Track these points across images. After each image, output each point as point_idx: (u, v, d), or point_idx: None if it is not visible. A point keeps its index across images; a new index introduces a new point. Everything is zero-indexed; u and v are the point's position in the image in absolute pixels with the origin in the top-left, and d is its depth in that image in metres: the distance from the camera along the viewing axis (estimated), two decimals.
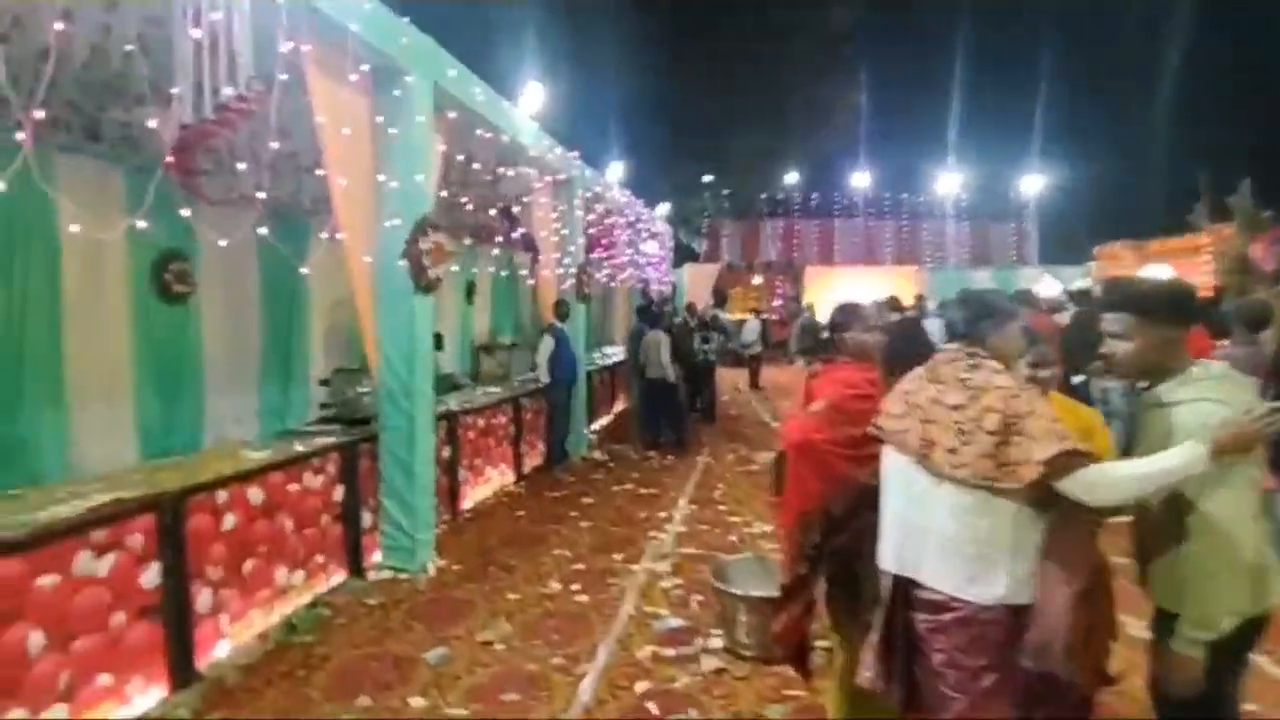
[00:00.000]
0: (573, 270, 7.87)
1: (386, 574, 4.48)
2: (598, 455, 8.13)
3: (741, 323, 15.34)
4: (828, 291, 20.32)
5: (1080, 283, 17.81)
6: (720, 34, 21.24)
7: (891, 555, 2.04)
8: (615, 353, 11.12)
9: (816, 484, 2.32)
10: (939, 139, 23.74)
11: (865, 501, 2.26)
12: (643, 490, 6.68)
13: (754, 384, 14.30)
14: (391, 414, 4.52)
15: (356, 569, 4.43)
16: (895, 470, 2.07)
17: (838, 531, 2.37)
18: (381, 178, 4.35)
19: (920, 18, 23.19)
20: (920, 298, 12.84)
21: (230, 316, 5.07)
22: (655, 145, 19.02)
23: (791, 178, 24.05)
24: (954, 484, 1.89)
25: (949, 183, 23.41)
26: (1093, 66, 21.77)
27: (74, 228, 3.06)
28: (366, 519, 4.55)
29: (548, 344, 7.34)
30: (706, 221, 24.04)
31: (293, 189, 5.14)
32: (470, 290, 9.53)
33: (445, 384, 7.33)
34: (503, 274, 9.58)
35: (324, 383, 5.11)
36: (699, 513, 5.97)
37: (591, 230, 9.07)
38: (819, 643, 3.12)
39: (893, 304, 8.41)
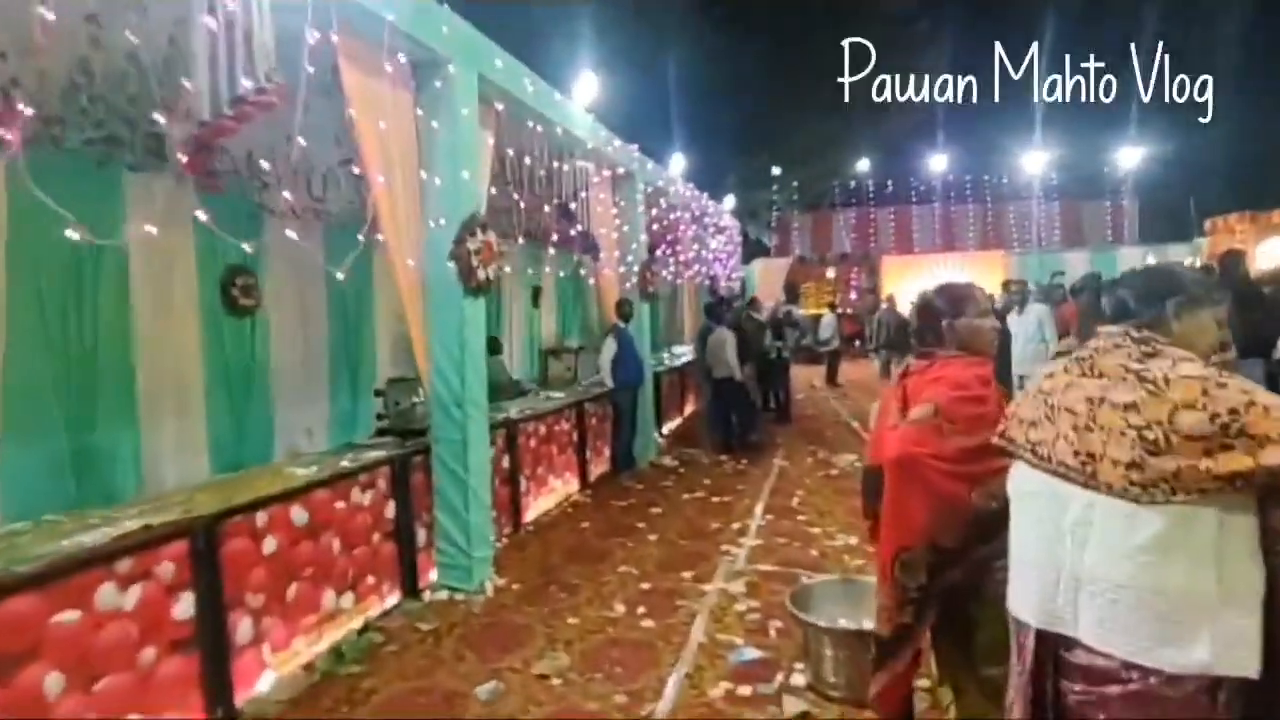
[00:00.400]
0: (636, 268, 7.53)
1: (443, 594, 4.24)
2: (668, 460, 7.76)
3: (817, 318, 14.70)
4: (906, 281, 19.36)
5: (1191, 261, 16.32)
6: (783, 18, 20.50)
7: (1034, 604, 1.57)
8: (684, 352, 10.73)
9: (922, 511, 1.88)
10: (1023, 115, 22.23)
11: (985, 530, 1.81)
12: (714, 498, 6.27)
13: (831, 381, 13.65)
14: (443, 424, 4.28)
15: (412, 589, 4.20)
16: (1035, 493, 1.60)
17: (948, 566, 1.92)
18: (425, 175, 4.11)
19: None
20: (1016, 284, 11.89)
21: (297, 327, 5.04)
22: (719, 137, 18.48)
23: (863, 165, 23.03)
24: (1133, 508, 1.41)
25: (1036, 160, 21.89)
26: (1193, 23, 19.93)
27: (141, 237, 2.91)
28: (422, 536, 4.33)
29: (610, 346, 7.03)
30: (775, 215, 23.33)
31: (350, 196, 5.01)
32: (536, 293, 9.35)
33: (512, 389, 7.14)
34: (569, 275, 9.36)
35: (378, 393, 4.93)
36: (776, 523, 5.51)
37: (655, 226, 8.72)
38: (919, 683, 2.66)
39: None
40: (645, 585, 4.38)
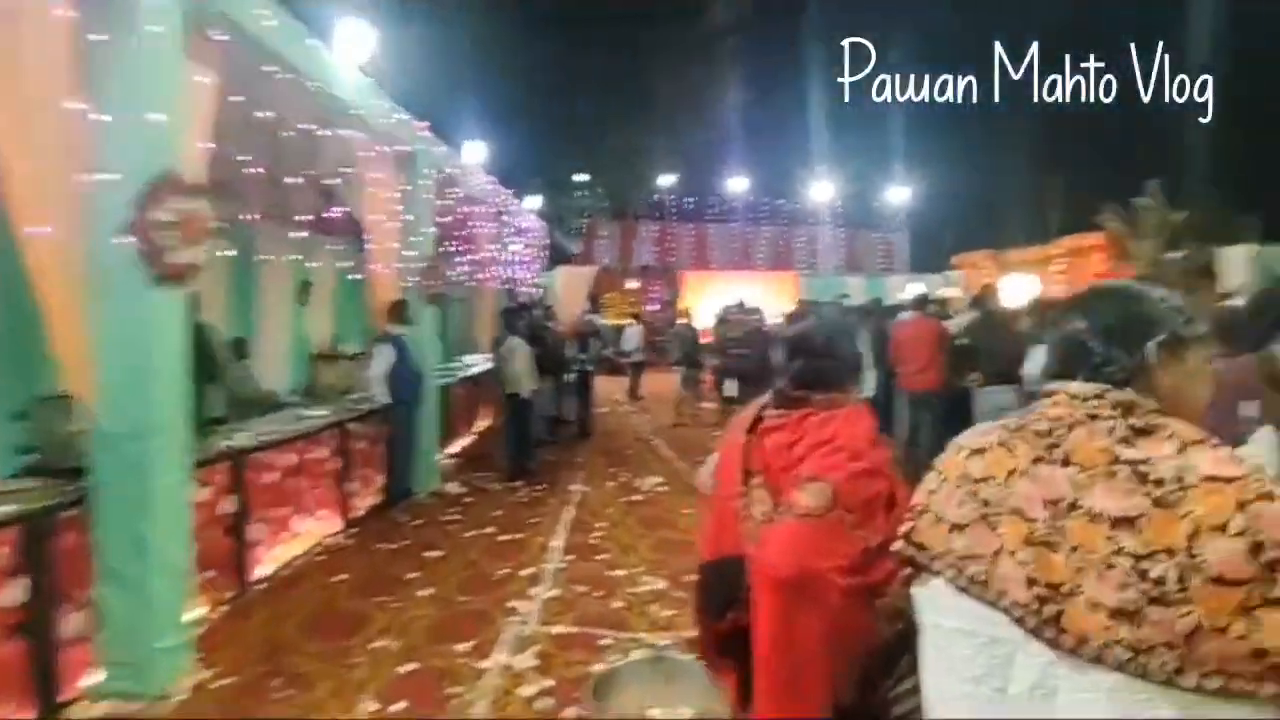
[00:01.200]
0: (420, 265, 6.47)
1: (103, 707, 2.98)
2: (453, 488, 6.75)
3: (620, 328, 14.33)
4: (705, 296, 19.83)
5: (944, 291, 18.14)
6: (593, 23, 20.26)
7: None
8: (477, 362, 9.70)
9: (822, 651, 1.21)
10: (813, 146, 23.93)
11: (887, 666, 1.19)
12: (505, 536, 5.40)
13: (633, 394, 13.30)
14: (109, 463, 3.02)
15: (50, 706, 2.90)
16: (963, 632, 0.99)
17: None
18: (85, 109, 2.87)
19: (792, 24, 23.26)
20: (930, 300, 12.26)
21: None
22: (525, 135, 17.66)
23: (667, 179, 23.40)
24: (1121, 684, 0.83)
25: (823, 190, 23.58)
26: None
27: None
28: (73, 625, 3.03)
29: (385, 354, 5.92)
30: (584, 222, 22.94)
31: None
32: (305, 288, 7.91)
33: (262, 403, 5.80)
34: (348, 269, 8.03)
35: (20, 416, 3.49)
36: (575, 565, 4.78)
37: (446, 218, 7.67)
38: None
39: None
40: (407, 666, 3.43)
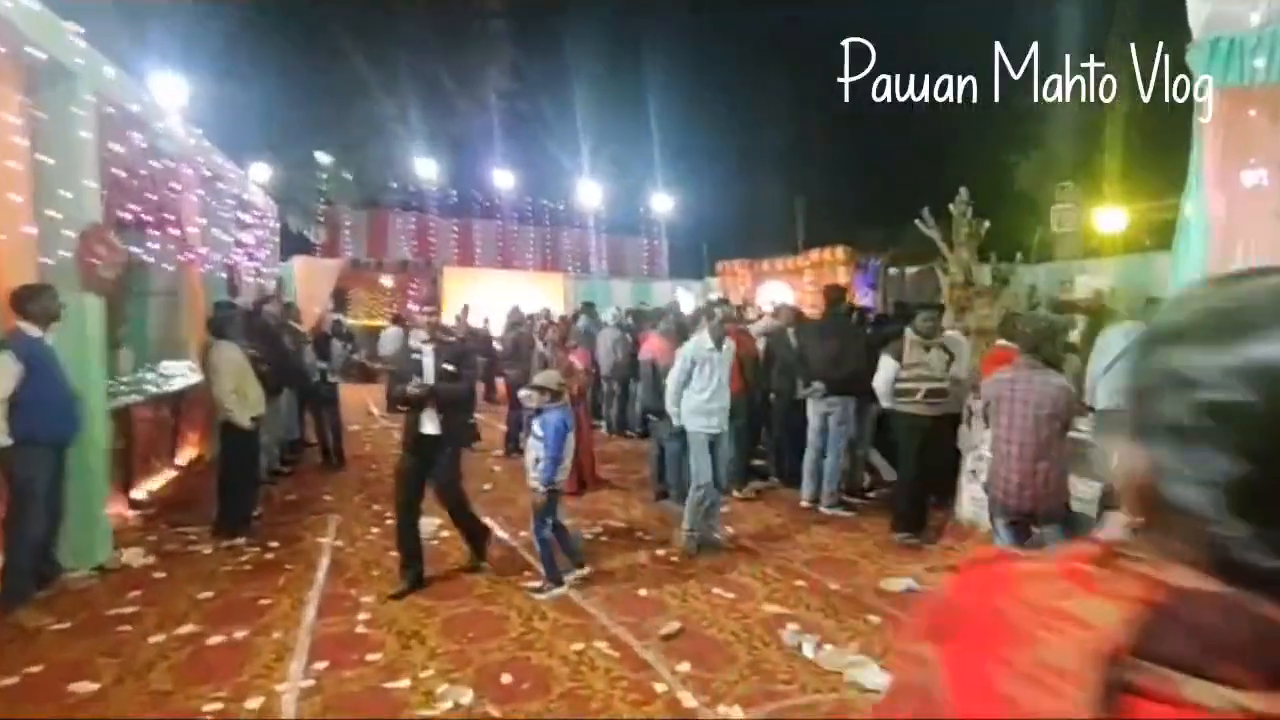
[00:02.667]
0: (75, 233, 4.36)
1: None
2: (135, 557, 4.70)
3: (376, 331, 12.35)
4: (469, 295, 18.22)
5: (714, 296, 18.41)
6: None
7: None
8: (180, 371, 7.32)
9: None
10: (580, 148, 23.47)
11: None
12: (214, 637, 3.65)
13: (392, 405, 11.44)
14: None
15: None
16: None
17: None
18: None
19: (562, 29, 22.54)
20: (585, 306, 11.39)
21: None
22: (255, 93, 14.60)
23: (427, 167, 21.26)
24: None
25: (590, 192, 23.14)
26: (710, 94, 23.47)
27: None
28: None
29: (7, 367, 3.81)
30: (324, 208, 19.93)
31: None
32: None
33: None
34: None
35: None
36: (331, 681, 3.26)
37: (124, 173, 5.47)
38: None
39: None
40: None
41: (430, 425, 4.29)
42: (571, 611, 4.03)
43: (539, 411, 4.44)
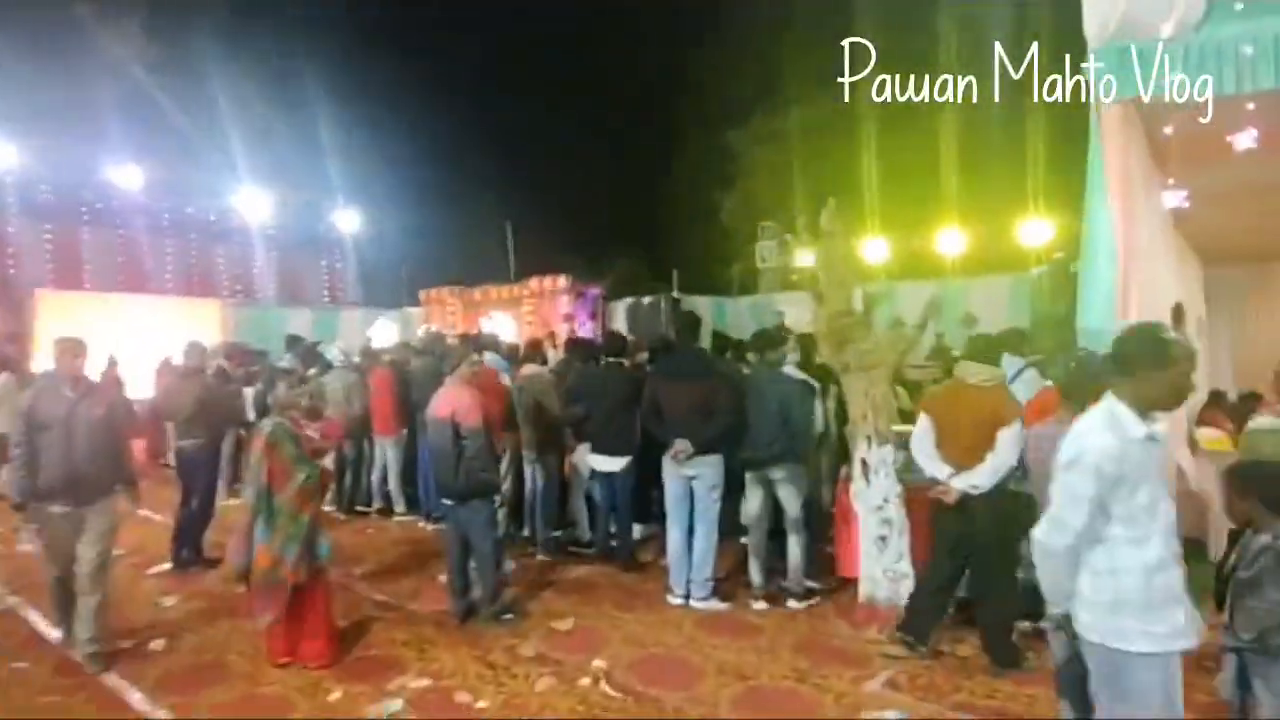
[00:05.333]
0: None
1: None
2: None
3: None
4: (78, 329, 13.27)
5: (423, 329, 16.15)
6: None
7: None
8: None
9: None
10: (240, 146, 19.04)
11: None
12: None
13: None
14: None
15: None
16: None
17: None
18: None
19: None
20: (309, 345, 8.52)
21: None
22: None
23: (4, 157, 15.16)
24: None
25: (253, 202, 18.82)
26: (411, 104, 21.09)
27: None
28: None
29: None
30: None
31: None
32: None
33: None
34: None
35: None
36: None
37: None
38: None
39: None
40: None
41: None
42: None
43: None
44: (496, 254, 20.17)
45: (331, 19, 19.82)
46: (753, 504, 4.85)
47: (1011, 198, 13.81)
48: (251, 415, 7.33)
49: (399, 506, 7.31)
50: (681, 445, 4.65)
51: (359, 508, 7.50)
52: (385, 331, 16.50)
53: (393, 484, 7.30)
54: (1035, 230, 13.13)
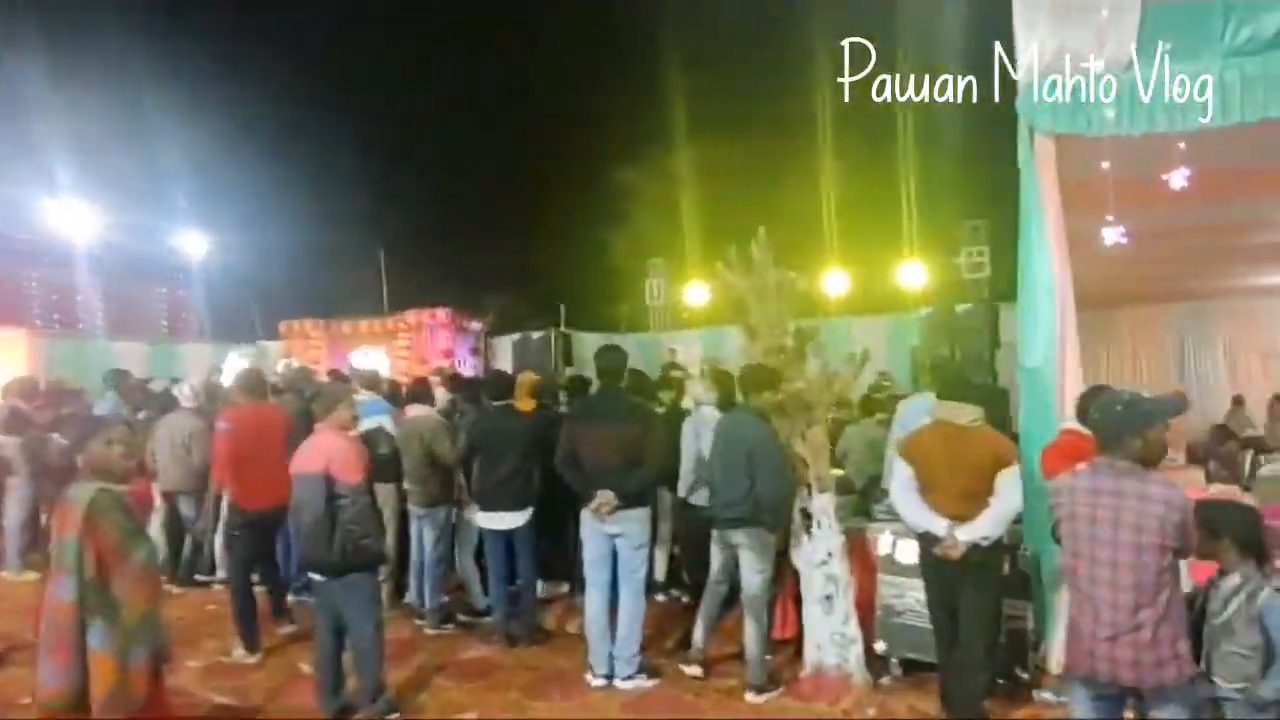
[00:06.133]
0: None
1: None
2: None
3: None
4: None
5: (284, 365, 14.68)
6: None
7: None
8: None
9: None
10: (55, 154, 16.63)
11: None
12: None
13: None
14: None
15: None
16: None
17: None
18: None
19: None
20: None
21: None
22: None
23: None
24: None
25: (73, 220, 16.40)
26: (266, 119, 19.42)
27: None
28: None
29: None
30: None
31: None
32: None
33: None
34: None
35: None
36: None
37: None
38: None
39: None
40: None
41: None
42: None
43: None
44: (368, 284, 18.70)
45: (175, 19, 17.99)
46: (714, 566, 4.30)
47: (889, 240, 14.43)
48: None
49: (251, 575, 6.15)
50: (604, 498, 4.05)
51: (199, 577, 6.27)
52: (238, 368, 14.79)
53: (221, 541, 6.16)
54: (912, 273, 13.71)
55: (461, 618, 5.23)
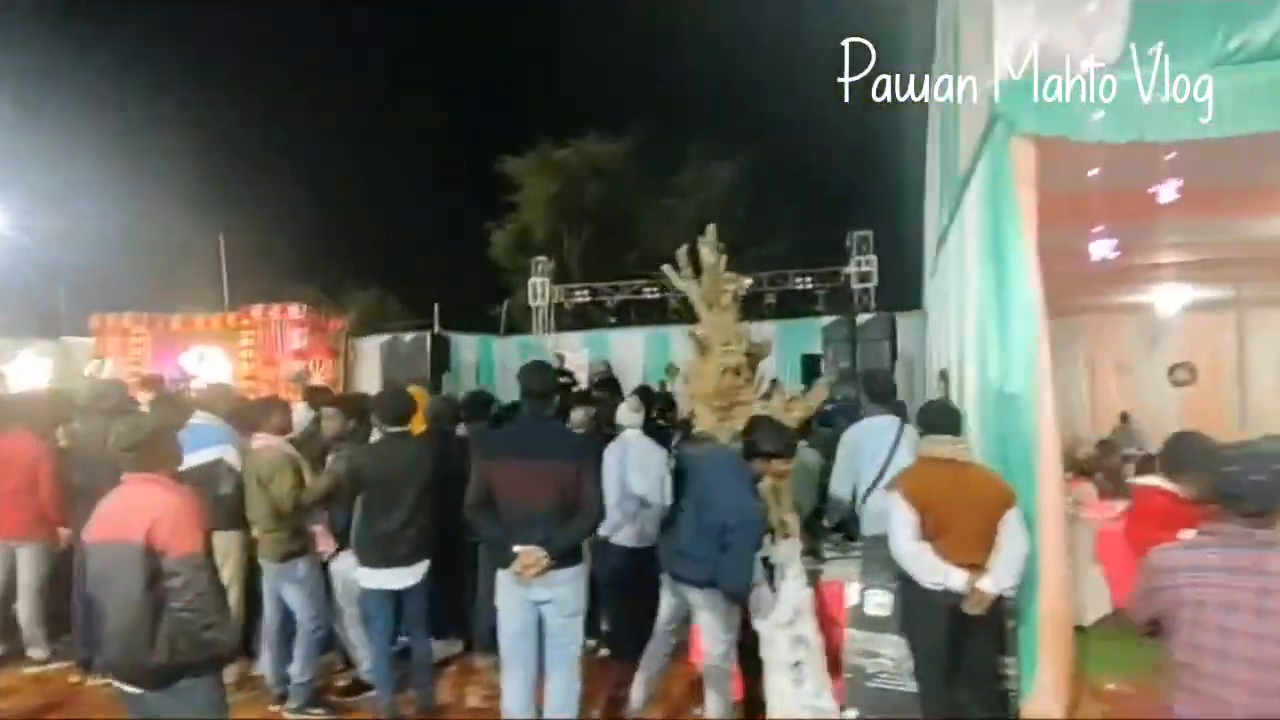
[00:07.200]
0: None
1: None
2: None
3: None
4: None
5: (94, 367, 12.60)
6: None
7: None
8: None
9: None
10: None
11: None
12: None
13: None
14: None
15: None
16: None
17: None
18: None
19: None
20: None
21: None
22: None
23: None
24: None
25: None
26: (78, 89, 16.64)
27: None
28: None
29: None
30: None
31: None
32: None
33: None
34: None
35: None
36: None
37: None
38: None
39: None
40: None
41: None
42: None
43: None
44: (204, 275, 16.38)
45: None
46: (663, 612, 3.59)
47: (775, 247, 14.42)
48: None
49: (36, 650, 4.74)
50: (531, 557, 3.20)
51: None
52: (32, 372, 12.43)
53: (26, 614, 4.73)
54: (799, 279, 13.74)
55: (334, 699, 4.19)
